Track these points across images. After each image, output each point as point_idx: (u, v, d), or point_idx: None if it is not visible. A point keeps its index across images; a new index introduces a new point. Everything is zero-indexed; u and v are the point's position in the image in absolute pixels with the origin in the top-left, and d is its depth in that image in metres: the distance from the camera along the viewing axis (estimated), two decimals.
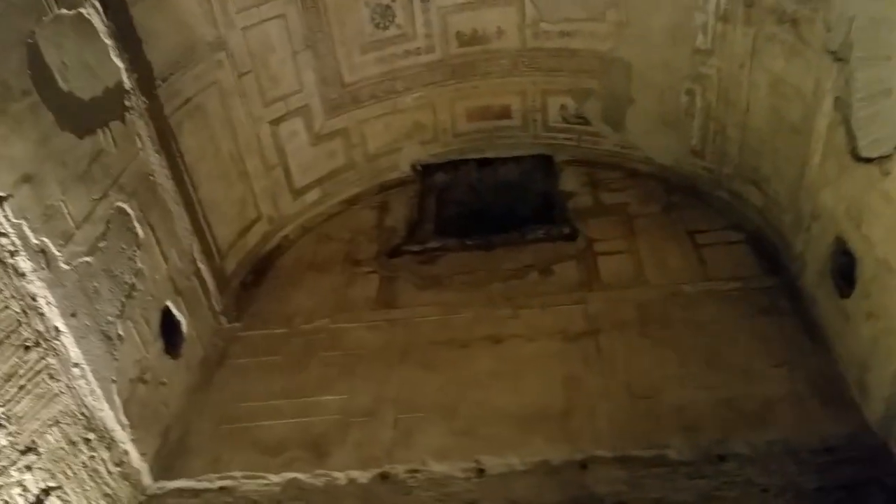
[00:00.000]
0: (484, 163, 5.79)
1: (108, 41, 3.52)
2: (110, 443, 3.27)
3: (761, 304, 4.06)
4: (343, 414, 3.80)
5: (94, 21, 3.43)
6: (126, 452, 3.38)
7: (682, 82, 4.83)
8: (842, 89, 3.41)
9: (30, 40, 3.02)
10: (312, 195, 5.42)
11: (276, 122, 4.96)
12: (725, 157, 4.74)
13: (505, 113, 5.76)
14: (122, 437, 3.36)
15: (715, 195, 4.89)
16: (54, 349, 2.94)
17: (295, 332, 4.42)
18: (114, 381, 3.33)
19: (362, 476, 3.45)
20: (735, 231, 4.65)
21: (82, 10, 3.35)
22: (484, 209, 5.53)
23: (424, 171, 5.80)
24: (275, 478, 3.50)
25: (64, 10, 3.23)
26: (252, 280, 4.87)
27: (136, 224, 3.67)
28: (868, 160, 3.23)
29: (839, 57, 3.40)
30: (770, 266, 4.33)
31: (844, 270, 3.49)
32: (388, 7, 5.19)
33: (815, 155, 3.76)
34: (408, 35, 5.34)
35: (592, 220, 5.02)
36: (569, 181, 5.51)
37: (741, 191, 4.68)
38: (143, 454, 3.50)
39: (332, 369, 4.11)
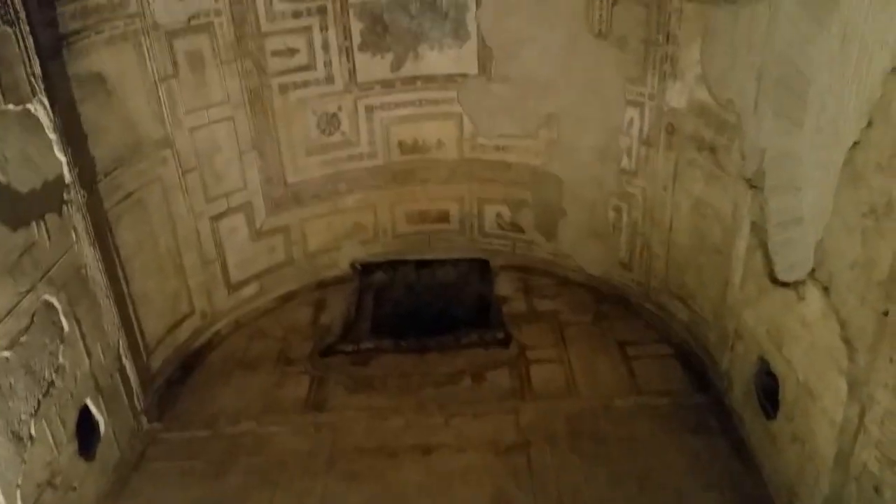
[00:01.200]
0: (422, 264, 5.91)
1: (52, 136, 3.53)
2: None
3: (691, 422, 4.15)
4: None
5: (40, 116, 3.45)
6: None
7: (609, 198, 5.14)
8: (757, 214, 3.67)
9: None
10: (249, 290, 5.39)
11: (217, 217, 4.99)
12: (652, 271, 5.00)
13: (443, 217, 5.96)
14: None
15: (644, 307, 5.11)
16: None
17: (218, 434, 4.26)
18: (18, 486, 3.12)
19: None
20: (664, 345, 4.83)
21: (29, 106, 3.37)
22: (420, 309, 5.59)
23: (363, 270, 5.87)
24: None
25: (11, 106, 3.24)
26: (179, 377, 4.73)
27: (62, 318, 3.56)
28: (785, 284, 3.42)
29: (753, 185, 3.69)
30: (699, 382, 4.46)
31: (769, 391, 3.59)
32: (334, 115, 5.41)
33: (736, 275, 3.98)
34: (352, 141, 5.55)
35: (526, 327, 5.14)
36: (504, 286, 5.67)
37: (668, 305, 4.91)
38: None
39: (254, 477, 3.94)
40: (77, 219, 3.71)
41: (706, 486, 3.73)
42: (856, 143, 2.73)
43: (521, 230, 5.81)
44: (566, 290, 5.53)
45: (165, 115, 4.44)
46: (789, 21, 3.26)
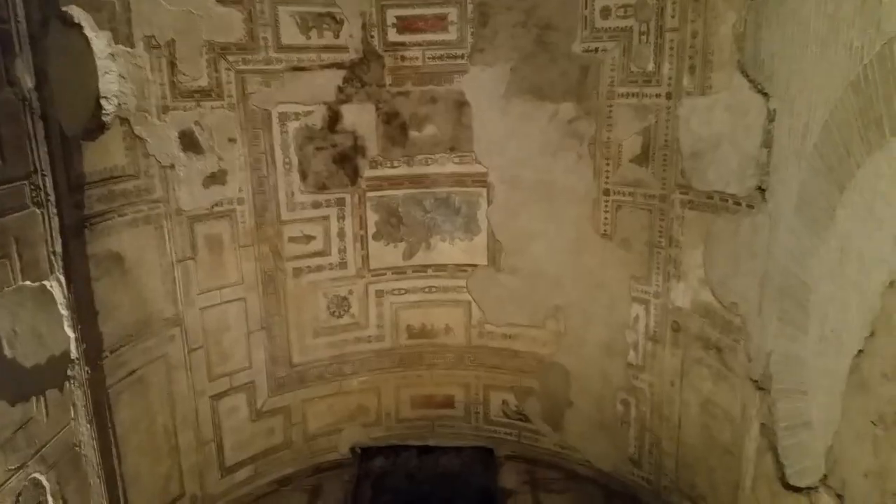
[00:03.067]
0: (425, 450, 5.72)
1: (64, 312, 3.60)
2: None
3: None
4: None
5: (55, 293, 3.54)
6: None
7: (617, 392, 5.07)
8: (766, 416, 3.58)
9: None
10: (242, 473, 5.18)
11: (217, 396, 4.93)
12: (662, 469, 4.79)
13: (448, 403, 5.85)
14: None
15: None
16: None
17: None
18: None
19: None
20: None
21: (46, 283, 3.48)
22: (421, 500, 5.29)
23: (363, 454, 5.67)
24: None
25: (28, 282, 3.35)
26: None
27: (49, 498, 3.40)
28: (797, 489, 3.26)
29: (761, 386, 3.64)
30: None
31: None
32: (344, 298, 5.54)
33: (747, 478, 3.82)
34: (360, 324, 5.62)
35: None
36: (509, 478, 5.42)
37: None
38: None
39: None
40: (77, 395, 3.67)
41: None
42: (860, 352, 2.72)
43: (527, 419, 5.67)
44: (574, 485, 5.27)
45: (178, 295, 4.56)
46: (789, 232, 3.40)
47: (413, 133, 5.43)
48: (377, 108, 5.33)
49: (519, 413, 5.71)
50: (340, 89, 5.19)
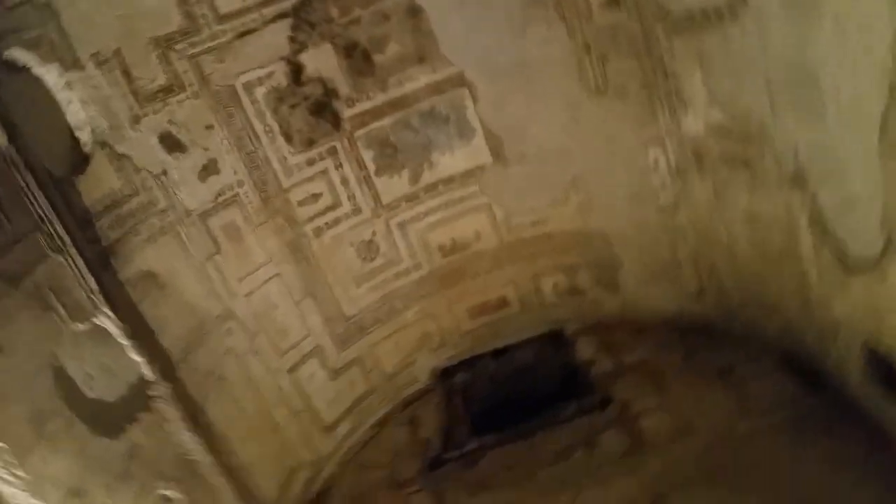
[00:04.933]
0: (498, 353, 5.86)
1: (124, 342, 3.71)
2: None
3: (819, 426, 3.93)
4: None
5: (107, 327, 3.64)
6: None
7: (659, 236, 5.09)
8: (812, 209, 3.61)
9: (53, 362, 3.19)
10: (343, 428, 5.41)
11: (293, 369, 5.09)
12: (725, 293, 4.87)
13: (503, 303, 5.95)
14: None
15: (730, 330, 4.92)
16: None
17: None
18: None
19: None
20: (762, 360, 4.61)
21: (95, 321, 3.56)
22: (510, 397, 5.48)
23: (443, 375, 5.83)
24: None
25: (79, 325, 3.44)
26: None
27: None
28: (862, 267, 3.33)
29: (797, 183, 3.65)
30: (810, 386, 4.24)
31: (886, 374, 3.45)
32: (370, 241, 5.56)
33: (811, 273, 3.87)
34: (394, 260, 5.67)
35: (619, 382, 5.00)
36: (584, 350, 5.55)
37: (753, 321, 4.73)
38: None
39: None
40: (168, 411, 3.83)
41: (855, 484, 3.51)
42: (885, 112, 2.70)
43: (582, 292, 5.76)
44: (647, 337, 5.38)
45: (219, 291, 4.63)
46: (781, 27, 3.31)
47: (378, 57, 5.27)
48: (333, 45, 5.16)
49: (573, 289, 5.79)
50: (292, 39, 5.02)
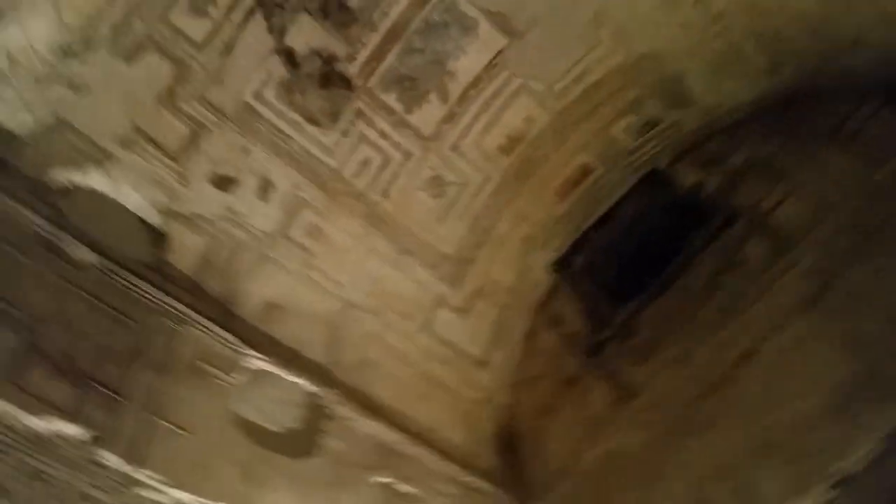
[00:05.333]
0: (604, 220, 5.76)
1: (276, 371, 3.97)
2: None
3: None
4: None
5: (258, 366, 3.92)
6: None
7: (706, 29, 4.74)
8: None
9: (234, 417, 3.45)
10: (496, 357, 5.55)
11: (425, 325, 5.25)
12: (798, 51, 4.49)
13: (585, 171, 5.78)
14: None
15: (819, 90, 4.56)
16: None
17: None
18: None
19: None
20: (866, 104, 4.24)
21: (246, 365, 3.80)
22: (634, 257, 5.42)
23: (561, 266, 5.83)
24: None
25: (234, 376, 3.68)
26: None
27: None
28: None
29: None
30: None
31: None
32: (434, 177, 5.50)
33: None
34: (463, 182, 5.57)
35: (734, 192, 4.82)
36: (686, 177, 5.35)
37: (839, 67, 4.37)
38: None
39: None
40: (344, 410, 4.09)
41: None
42: None
43: (657, 122, 5.49)
44: (740, 134, 5.10)
45: (330, 288, 4.86)
46: None
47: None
48: (308, 12, 4.97)
49: (647, 123, 5.51)
50: (270, 28, 4.88)
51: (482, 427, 5.07)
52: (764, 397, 3.74)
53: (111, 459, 2.72)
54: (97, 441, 2.71)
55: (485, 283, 5.65)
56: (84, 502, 2.53)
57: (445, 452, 4.46)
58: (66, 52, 3.98)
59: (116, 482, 2.69)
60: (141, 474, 2.78)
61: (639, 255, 5.34)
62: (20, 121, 3.80)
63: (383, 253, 5.20)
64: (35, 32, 3.75)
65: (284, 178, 4.91)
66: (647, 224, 5.50)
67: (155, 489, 2.79)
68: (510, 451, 4.96)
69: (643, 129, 5.56)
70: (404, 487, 3.90)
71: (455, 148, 5.54)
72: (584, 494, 4.22)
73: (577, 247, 5.80)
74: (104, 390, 2.93)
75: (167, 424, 3.05)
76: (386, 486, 3.81)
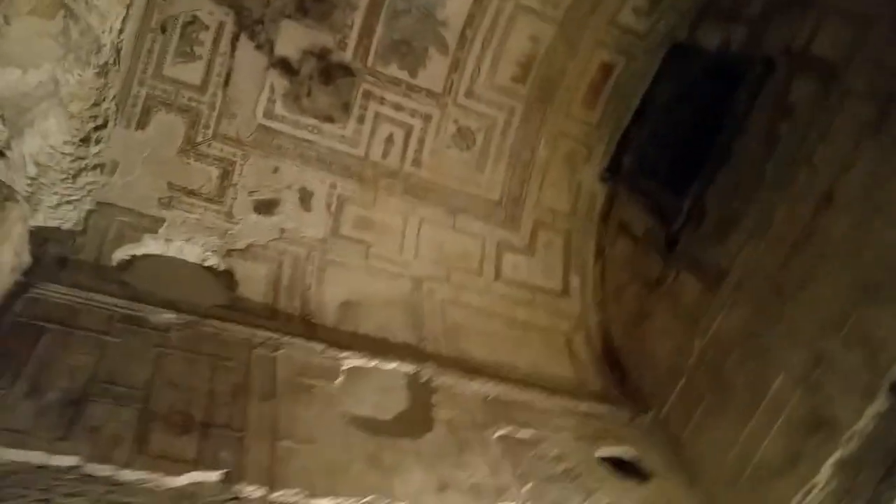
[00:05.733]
0: (641, 112, 5.54)
1: (370, 363, 4.13)
2: None
3: None
4: None
5: (353, 363, 4.08)
6: None
7: None
8: None
9: (350, 419, 3.61)
10: (573, 281, 5.55)
11: (497, 275, 5.33)
12: None
13: (607, 70, 5.57)
14: None
15: None
16: None
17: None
18: None
19: None
20: None
21: (343, 367, 3.98)
22: (684, 137, 5.20)
23: (611, 171, 5.69)
24: None
25: (333, 381, 3.85)
26: None
27: None
28: None
29: None
30: None
31: None
32: (458, 130, 5.46)
33: None
34: (489, 125, 5.52)
35: (764, 36, 4.51)
36: (709, 38, 5.02)
37: None
38: None
39: None
40: (444, 380, 4.21)
41: None
42: None
43: None
44: None
45: (397, 270, 4.99)
46: None
47: None
48: (287, 16, 4.98)
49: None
50: (259, 46, 4.96)
51: (582, 353, 5.09)
52: (853, 239, 3.55)
53: (248, 490, 2.93)
54: (230, 478, 2.92)
55: (541, 216, 5.62)
56: None
57: (553, 389, 4.52)
58: (84, 140, 4.19)
59: None
60: (279, 495, 2.98)
61: (686, 135, 5.14)
62: (65, 217, 4.06)
63: (435, 220, 5.27)
64: (51, 133, 3.95)
65: (319, 182, 5.02)
66: (685, 102, 5.26)
67: None
68: (615, 369, 4.96)
69: (651, 6, 5.30)
70: (524, 433, 3.98)
71: (470, 94, 5.48)
72: (700, 386, 4.18)
73: (621, 148, 5.64)
74: (223, 431, 3.14)
75: (289, 443, 3.23)
76: (505, 437, 3.90)
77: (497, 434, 3.92)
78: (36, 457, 2.65)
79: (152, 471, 2.81)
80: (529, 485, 3.62)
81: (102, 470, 2.73)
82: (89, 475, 2.69)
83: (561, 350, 5.09)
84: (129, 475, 2.76)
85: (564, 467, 3.88)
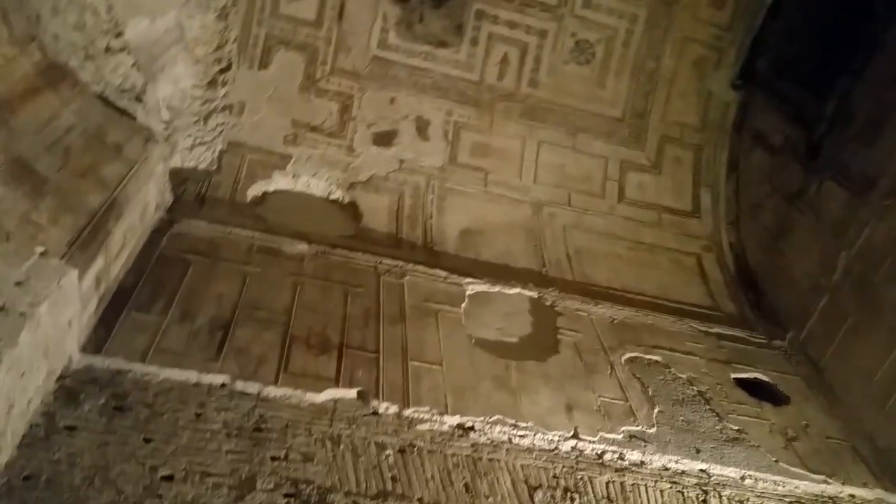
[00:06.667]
0: (773, 10, 4.98)
1: (494, 288, 4.14)
2: None
3: None
4: None
5: (476, 288, 4.09)
6: None
7: None
8: None
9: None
10: (704, 200, 5.24)
11: (620, 197, 5.13)
12: None
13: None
14: None
15: None
16: None
17: None
18: None
19: None
20: None
21: (467, 291, 4.03)
22: (826, 33, 4.64)
23: (744, 76, 5.17)
24: None
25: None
26: None
27: None
28: None
29: None
30: None
31: None
32: (577, 43, 5.19)
33: None
34: (608, 35, 5.22)
35: None
36: None
37: None
38: None
39: None
40: (568, 303, 4.16)
41: None
42: None
43: None
44: None
45: (517, 196, 4.91)
46: None
47: None
48: None
49: None
50: None
51: (714, 275, 4.83)
52: None
53: (383, 407, 3.08)
54: (366, 395, 3.07)
55: (668, 130, 5.30)
56: (376, 448, 2.90)
57: (683, 312, 4.35)
58: (211, 83, 4.39)
59: (395, 425, 3.04)
60: (413, 412, 3.10)
61: (828, 31, 4.58)
62: (200, 157, 4.31)
63: (554, 141, 5.11)
64: (181, 78, 4.17)
65: (435, 111, 4.99)
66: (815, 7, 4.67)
67: (429, 421, 3.10)
68: (750, 290, 4.67)
69: None
70: (652, 356, 3.88)
71: (588, 3, 5.18)
72: (845, 304, 3.85)
73: (755, 50, 5.13)
74: (358, 352, 3.30)
75: (419, 364, 3.34)
76: (634, 360, 3.82)
77: (625, 357, 3.85)
78: (190, 375, 2.90)
79: (295, 388, 3.01)
80: (660, 407, 3.55)
81: (250, 387, 2.95)
82: (239, 391, 2.92)
83: (691, 272, 4.86)
84: (274, 392, 2.97)
85: (697, 390, 3.76)
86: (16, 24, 2.89)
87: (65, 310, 2.54)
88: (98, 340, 2.88)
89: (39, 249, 2.49)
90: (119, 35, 3.63)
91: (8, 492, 2.22)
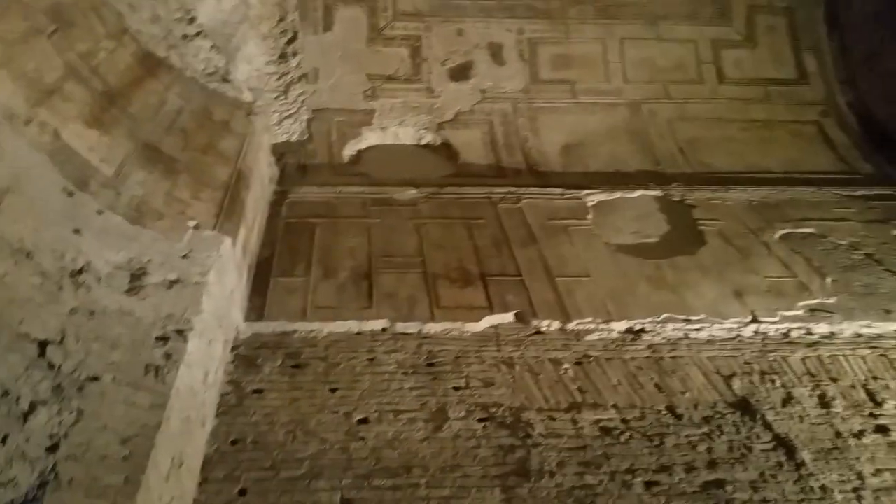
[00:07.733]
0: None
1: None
2: None
3: None
4: None
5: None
6: None
7: None
8: None
9: None
10: (812, 67, 4.83)
11: (720, 78, 4.75)
12: None
13: None
14: None
15: None
16: None
17: None
18: None
19: None
20: None
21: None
22: None
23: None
24: None
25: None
26: None
27: None
28: None
29: None
30: None
31: None
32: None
33: None
34: None
35: None
36: None
37: None
38: None
39: None
40: None
41: None
42: None
43: None
44: None
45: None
46: None
47: None
48: None
49: None
50: None
51: (839, 139, 4.48)
52: None
53: (545, 324, 2.94)
54: (523, 316, 2.95)
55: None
56: (552, 364, 2.77)
57: (819, 181, 4.05)
58: (282, 56, 4.28)
59: (563, 340, 2.90)
60: (576, 325, 2.95)
61: None
62: (290, 130, 4.23)
63: (636, 35, 4.81)
64: (253, 57, 4.08)
65: (506, 32, 4.76)
66: None
67: (596, 330, 2.91)
68: (884, 145, 4.30)
69: None
70: (804, 229, 3.61)
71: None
72: None
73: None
74: (501, 278, 3.17)
75: (567, 278, 3.19)
76: (787, 236, 3.57)
77: (777, 234, 3.60)
78: (351, 325, 2.85)
79: (453, 321, 2.91)
80: (832, 276, 3.30)
81: (410, 327, 2.89)
82: (400, 333, 2.86)
83: (814, 141, 4.53)
84: (434, 328, 2.89)
85: (864, 253, 3.50)
86: (107, 18, 2.85)
87: (227, 279, 2.51)
88: (256, 308, 2.86)
89: (192, 223, 2.47)
90: (192, 20, 3.58)
91: (221, 457, 2.20)
